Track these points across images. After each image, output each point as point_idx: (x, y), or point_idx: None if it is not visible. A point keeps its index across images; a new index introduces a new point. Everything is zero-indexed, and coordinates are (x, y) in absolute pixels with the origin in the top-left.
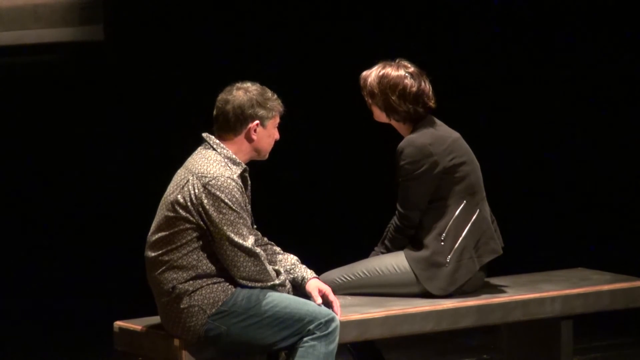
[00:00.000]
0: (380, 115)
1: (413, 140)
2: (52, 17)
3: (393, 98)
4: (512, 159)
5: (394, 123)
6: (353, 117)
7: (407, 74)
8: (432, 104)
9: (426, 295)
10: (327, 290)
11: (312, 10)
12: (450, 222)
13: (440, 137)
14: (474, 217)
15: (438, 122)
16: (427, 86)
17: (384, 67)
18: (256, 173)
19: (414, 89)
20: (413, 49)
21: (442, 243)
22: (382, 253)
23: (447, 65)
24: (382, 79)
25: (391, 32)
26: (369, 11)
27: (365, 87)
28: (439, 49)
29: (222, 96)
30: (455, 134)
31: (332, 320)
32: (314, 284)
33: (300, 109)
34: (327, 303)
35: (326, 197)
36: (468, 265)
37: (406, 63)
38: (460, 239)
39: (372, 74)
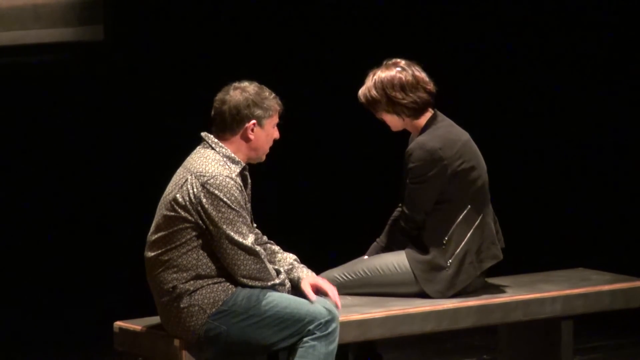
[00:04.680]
0: (392, 120)
1: (424, 143)
2: (52, 17)
3: (394, 94)
4: (513, 158)
5: (407, 123)
6: (354, 116)
7: (397, 69)
8: (431, 87)
9: (426, 295)
10: (320, 282)
11: (318, 11)
12: (454, 226)
13: (451, 140)
14: (477, 223)
15: (448, 121)
16: (420, 73)
17: (374, 74)
18: (256, 172)
19: (410, 77)
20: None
21: (444, 246)
22: (383, 246)
23: (449, 65)
24: (377, 83)
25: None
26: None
27: (367, 101)
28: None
29: (219, 96)
30: (465, 136)
31: (332, 320)
32: (306, 281)
33: (300, 109)
34: (324, 295)
35: (326, 196)
36: (468, 270)
37: (393, 60)
38: (463, 243)
39: (366, 86)
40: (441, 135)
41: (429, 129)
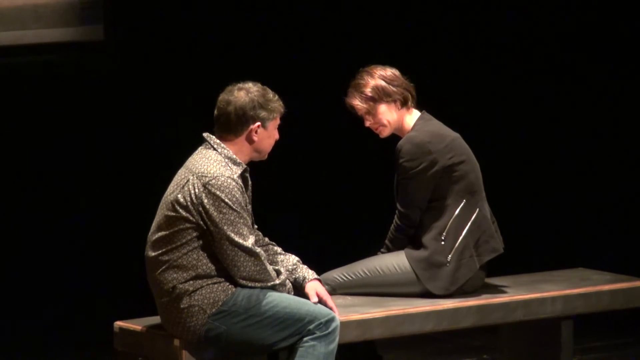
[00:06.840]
0: (387, 113)
1: (412, 137)
2: (52, 17)
3: (390, 85)
4: (512, 158)
5: (398, 122)
6: (354, 116)
7: (378, 69)
8: (406, 84)
9: (427, 295)
10: (326, 296)
11: (317, 9)
12: (450, 221)
13: (440, 135)
14: (474, 216)
15: (437, 121)
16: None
17: (361, 79)
18: (257, 172)
19: (389, 74)
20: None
21: (443, 242)
22: (383, 253)
23: (447, 65)
24: (376, 77)
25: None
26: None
27: (363, 99)
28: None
29: (223, 97)
30: (455, 134)
31: (332, 320)
32: (313, 285)
33: (300, 109)
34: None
35: (327, 196)
36: (469, 264)
37: (366, 68)
38: (461, 238)
39: (357, 95)
40: (430, 130)
41: (418, 127)
